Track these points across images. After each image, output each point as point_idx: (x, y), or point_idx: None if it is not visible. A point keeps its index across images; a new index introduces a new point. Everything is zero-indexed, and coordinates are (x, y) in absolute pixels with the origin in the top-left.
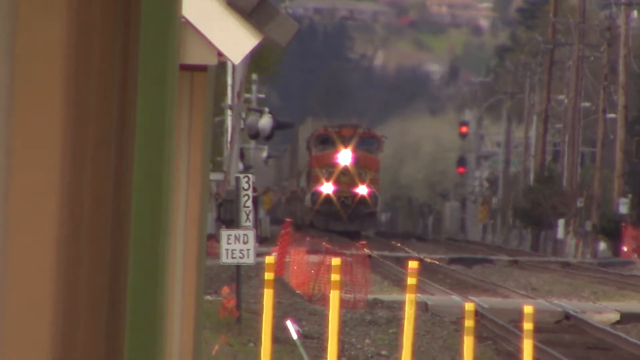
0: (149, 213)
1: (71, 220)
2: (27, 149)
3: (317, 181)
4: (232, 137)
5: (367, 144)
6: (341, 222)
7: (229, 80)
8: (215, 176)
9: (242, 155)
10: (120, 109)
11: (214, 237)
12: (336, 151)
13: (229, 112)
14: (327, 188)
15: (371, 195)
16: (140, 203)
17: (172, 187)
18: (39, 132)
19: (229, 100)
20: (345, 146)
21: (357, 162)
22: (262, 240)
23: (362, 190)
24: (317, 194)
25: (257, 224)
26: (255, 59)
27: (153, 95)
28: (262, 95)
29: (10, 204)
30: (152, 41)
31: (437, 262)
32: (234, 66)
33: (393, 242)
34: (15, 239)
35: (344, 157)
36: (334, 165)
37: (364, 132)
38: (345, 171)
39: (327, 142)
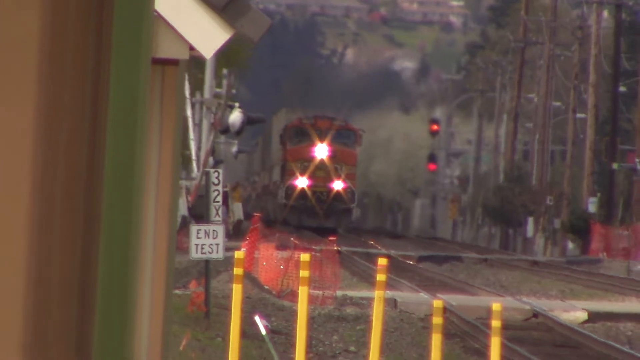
0: (120, 206)
1: (43, 212)
2: (0, 142)
3: (292, 175)
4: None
5: (344, 138)
6: (316, 218)
7: (207, 75)
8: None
9: (212, 150)
10: (93, 101)
11: (183, 231)
12: (312, 144)
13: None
14: (301, 182)
15: (347, 190)
16: (111, 196)
17: (144, 181)
18: (12, 123)
19: (206, 94)
20: (321, 139)
21: (333, 155)
22: (235, 227)
23: (338, 185)
24: (291, 188)
25: (227, 214)
26: (226, 54)
27: (126, 88)
28: (232, 91)
29: None
30: (125, 34)
31: (407, 261)
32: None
33: (364, 239)
34: None
35: (320, 150)
36: (309, 158)
37: (340, 125)
38: (321, 165)
39: (302, 135)
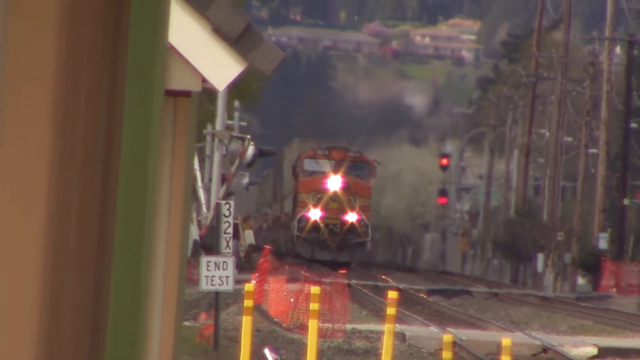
0: (132, 237)
1: (57, 243)
2: (15, 167)
3: (304, 207)
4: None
5: (358, 169)
6: (329, 252)
7: (219, 107)
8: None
9: (223, 181)
10: (106, 132)
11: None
12: (325, 175)
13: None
14: (314, 214)
15: (361, 223)
16: (123, 227)
17: (155, 211)
18: (27, 153)
19: (218, 126)
20: (335, 171)
21: (347, 187)
22: (247, 253)
23: (351, 217)
24: (303, 220)
25: (239, 245)
26: (237, 87)
27: (139, 119)
28: (244, 123)
29: None
30: (139, 65)
31: (419, 294)
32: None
33: (374, 273)
34: (1, 259)
35: (334, 182)
36: (322, 190)
37: (354, 156)
38: (334, 197)
39: (315, 166)
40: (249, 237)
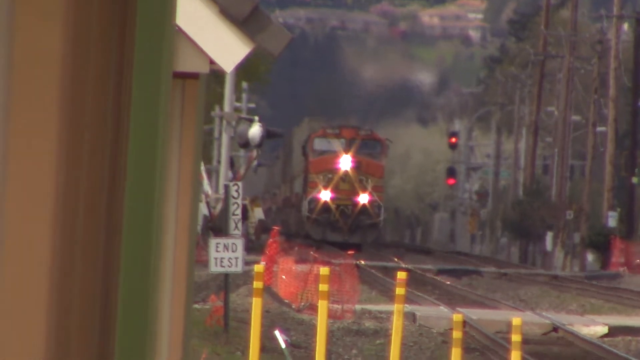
0: (141, 220)
1: (65, 227)
2: (23, 155)
3: (314, 187)
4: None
5: (369, 148)
6: (340, 233)
7: (227, 89)
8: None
9: (232, 164)
10: (115, 115)
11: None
12: (336, 155)
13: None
14: (325, 195)
15: (373, 204)
16: (132, 210)
17: (164, 194)
18: (36, 138)
19: (226, 108)
20: (346, 150)
21: (358, 167)
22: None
23: (363, 198)
24: (314, 201)
25: (247, 227)
26: (245, 68)
27: (147, 102)
28: (252, 105)
29: (6, 211)
30: (147, 48)
31: (427, 274)
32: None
33: (383, 253)
34: (11, 247)
35: (345, 161)
36: (333, 170)
37: (366, 134)
38: (345, 177)
39: (325, 145)
40: (258, 213)
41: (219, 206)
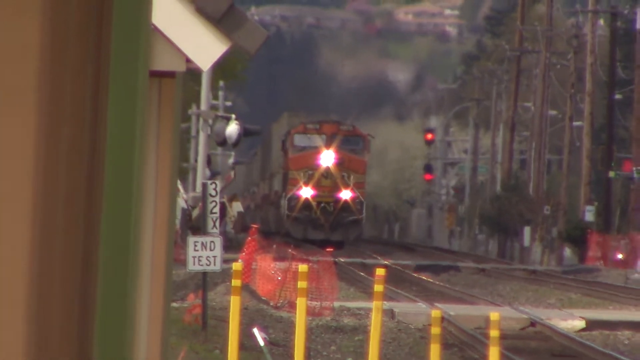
0: (119, 218)
1: (44, 224)
2: (0, 151)
3: (295, 184)
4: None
5: (351, 144)
6: (321, 231)
7: (204, 87)
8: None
9: (209, 162)
10: (92, 112)
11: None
12: (317, 151)
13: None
14: (305, 192)
15: (356, 200)
16: (110, 208)
17: (142, 192)
18: (12, 135)
19: (203, 106)
20: (327, 146)
21: (340, 163)
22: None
23: (345, 195)
24: (294, 198)
25: (225, 223)
26: (222, 66)
27: (124, 100)
28: (229, 103)
29: None
30: (123, 47)
31: (406, 270)
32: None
33: (362, 250)
34: None
35: (326, 157)
36: (314, 166)
37: (347, 130)
38: (326, 174)
39: (306, 141)
40: (236, 207)
41: (197, 209)
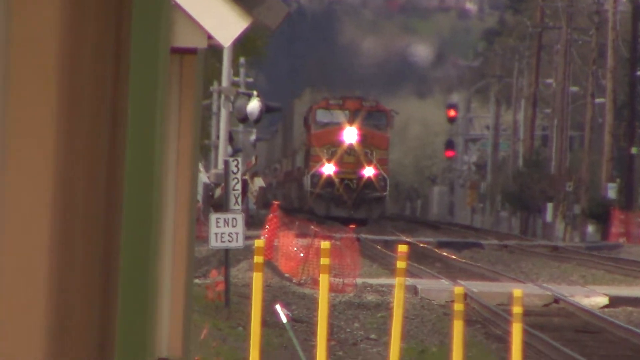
0: (140, 195)
1: (65, 200)
2: (22, 132)
3: (317, 161)
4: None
5: (374, 119)
6: (344, 208)
7: (225, 64)
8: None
9: (230, 139)
10: (113, 89)
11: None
12: (339, 127)
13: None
14: (328, 169)
15: (379, 177)
16: (132, 185)
17: (163, 170)
18: (34, 114)
19: (224, 83)
20: (350, 122)
21: (363, 139)
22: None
23: (368, 171)
24: (317, 175)
25: (247, 200)
26: (242, 43)
27: (145, 77)
28: (250, 79)
29: (7, 177)
30: (144, 24)
31: (429, 247)
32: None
33: (384, 226)
34: (12, 213)
35: (349, 134)
36: (337, 143)
37: (370, 105)
38: (349, 150)
39: (328, 117)
40: (258, 182)
41: (219, 190)
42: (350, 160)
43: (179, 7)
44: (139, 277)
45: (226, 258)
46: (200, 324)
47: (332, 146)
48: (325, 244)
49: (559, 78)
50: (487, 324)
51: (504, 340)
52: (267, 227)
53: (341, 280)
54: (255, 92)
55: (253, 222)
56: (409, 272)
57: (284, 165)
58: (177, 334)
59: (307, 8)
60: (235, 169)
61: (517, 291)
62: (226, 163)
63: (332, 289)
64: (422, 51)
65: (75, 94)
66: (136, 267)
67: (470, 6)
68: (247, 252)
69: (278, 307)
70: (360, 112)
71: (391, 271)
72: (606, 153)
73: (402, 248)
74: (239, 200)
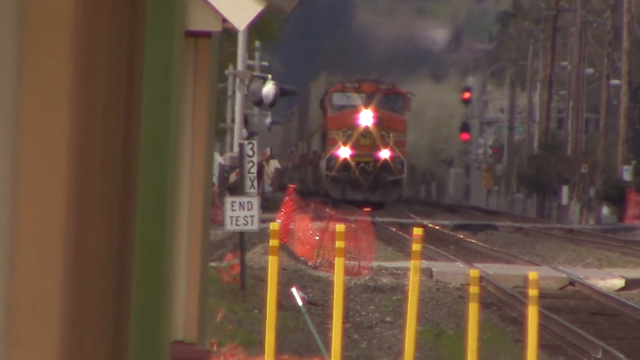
0: (155, 179)
1: (80, 183)
2: (37, 110)
3: (334, 144)
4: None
5: (391, 102)
6: (360, 191)
7: (240, 47)
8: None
9: (246, 122)
10: (128, 73)
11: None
12: (355, 110)
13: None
14: (344, 152)
15: (395, 160)
16: (146, 168)
17: (178, 152)
18: (48, 97)
19: (239, 66)
20: (366, 105)
21: (379, 122)
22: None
23: (384, 154)
24: (333, 158)
25: (262, 184)
26: (257, 26)
27: (160, 61)
28: (265, 63)
29: (20, 159)
30: (159, 7)
31: (444, 230)
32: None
33: (399, 209)
34: (26, 195)
35: (365, 117)
36: (353, 126)
37: (387, 88)
38: (365, 133)
39: (345, 100)
40: (274, 163)
41: (234, 175)
42: (366, 142)
43: None
44: (154, 261)
45: (241, 241)
46: (215, 307)
47: (348, 129)
48: (340, 227)
49: (574, 60)
50: (503, 307)
51: (519, 323)
52: (283, 210)
53: (356, 263)
54: (269, 76)
55: (269, 205)
56: (424, 255)
57: (299, 148)
58: (192, 317)
59: None
60: (250, 152)
61: (533, 274)
62: (241, 146)
63: (347, 272)
64: (437, 34)
65: (90, 77)
66: (151, 250)
67: None
68: (263, 235)
69: (294, 290)
70: (376, 95)
71: (406, 254)
72: (621, 135)
73: (417, 231)
74: (255, 183)
